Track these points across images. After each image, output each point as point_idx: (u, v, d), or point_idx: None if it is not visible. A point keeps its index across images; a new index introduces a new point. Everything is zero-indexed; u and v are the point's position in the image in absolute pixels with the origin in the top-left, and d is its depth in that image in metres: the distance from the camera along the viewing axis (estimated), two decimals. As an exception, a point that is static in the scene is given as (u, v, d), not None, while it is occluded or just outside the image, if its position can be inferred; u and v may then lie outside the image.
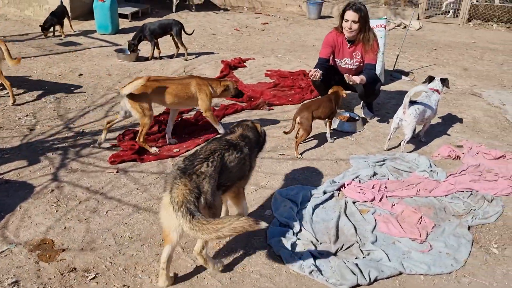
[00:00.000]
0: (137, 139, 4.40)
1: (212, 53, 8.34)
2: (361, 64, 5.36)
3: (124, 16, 10.56)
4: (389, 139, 4.82)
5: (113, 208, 3.61)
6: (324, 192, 3.93)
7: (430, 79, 5.28)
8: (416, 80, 7.38)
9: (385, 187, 4.12)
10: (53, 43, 8.38)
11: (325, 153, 4.74)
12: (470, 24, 12.15)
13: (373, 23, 6.51)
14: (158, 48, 7.73)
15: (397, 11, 12.39)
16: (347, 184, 4.08)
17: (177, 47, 7.85)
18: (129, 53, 7.48)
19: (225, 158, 2.79)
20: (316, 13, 11.81)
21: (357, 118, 5.47)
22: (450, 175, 4.39)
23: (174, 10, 11.87)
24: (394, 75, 7.49)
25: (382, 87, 6.63)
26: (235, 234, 2.41)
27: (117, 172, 4.13)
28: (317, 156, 4.66)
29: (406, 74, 7.57)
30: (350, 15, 5.08)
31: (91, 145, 4.60)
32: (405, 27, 11.44)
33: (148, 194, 3.83)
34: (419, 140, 5.03)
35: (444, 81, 5.16)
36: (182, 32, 7.74)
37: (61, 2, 9.05)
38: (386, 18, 6.74)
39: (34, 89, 6.00)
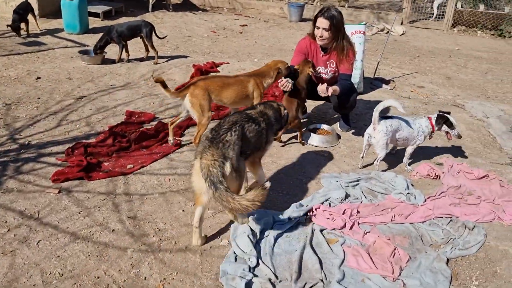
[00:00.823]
0: (193, 140, 4.46)
1: (185, 56, 7.90)
2: (336, 74, 4.98)
3: (96, 15, 10.08)
4: (362, 157, 4.46)
5: (47, 237, 3.16)
6: (289, 218, 3.53)
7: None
8: (397, 89, 7.03)
9: (358, 211, 3.74)
10: (15, 43, 7.87)
11: (294, 171, 4.35)
12: (455, 30, 11.89)
13: (351, 29, 6.16)
14: (126, 51, 7.28)
15: (380, 15, 12.08)
16: (316, 209, 3.68)
17: (147, 50, 7.41)
18: (94, 55, 7.00)
19: (245, 129, 3.17)
20: (297, 16, 11.44)
21: (331, 131, 5.09)
22: (428, 197, 4.03)
23: (150, 9, 11.41)
24: (375, 83, 7.14)
25: (360, 97, 6.29)
26: (252, 206, 2.74)
27: (58, 192, 3.68)
28: (286, 174, 4.26)
29: (387, 82, 7.23)
30: (321, 22, 4.69)
31: (36, 160, 4.13)
32: (388, 32, 11.12)
33: (90, 220, 3.39)
34: (405, 166, 4.57)
35: (442, 120, 4.39)
36: (153, 34, 7.27)
37: (26, -1, 8.52)
38: (365, 24, 6.38)
39: (-17, 93, 5.52)
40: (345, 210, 3.70)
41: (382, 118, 4.27)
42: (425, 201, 3.96)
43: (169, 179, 4.02)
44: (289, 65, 4.87)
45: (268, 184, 2.85)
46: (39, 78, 6.21)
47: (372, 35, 10.84)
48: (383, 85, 7.08)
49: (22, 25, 8.23)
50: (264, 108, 3.55)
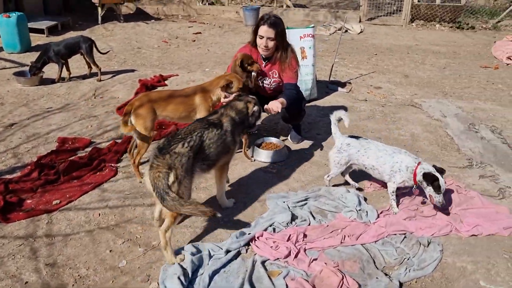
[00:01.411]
0: (132, 163, 4.17)
1: (133, 70, 7.50)
2: (280, 84, 4.67)
3: (40, 31, 9.56)
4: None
5: None
6: (228, 251, 3.19)
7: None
8: (353, 91, 6.78)
9: (305, 235, 3.43)
10: None
11: (238, 192, 4.02)
12: (413, 25, 11.79)
13: (299, 33, 5.88)
14: (68, 69, 6.84)
15: (337, 14, 11.89)
16: (258, 237, 3.36)
17: (89, 66, 6.99)
18: (30, 76, 6.54)
19: (204, 137, 3.19)
20: (253, 19, 11.14)
21: (279, 144, 4.78)
22: (381, 212, 3.76)
23: (100, 21, 10.97)
24: (330, 86, 6.88)
25: (315, 103, 6.04)
26: (195, 215, 3.13)
27: (-33, 241, 3.26)
28: (230, 196, 3.92)
29: (343, 85, 6.98)
30: (266, 31, 4.38)
31: None
32: (346, 31, 10.93)
33: (1, 271, 2.99)
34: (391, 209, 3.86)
35: (430, 180, 3.53)
36: (94, 50, 6.85)
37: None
38: (313, 27, 6.11)
39: None
40: (290, 235, 3.39)
41: (351, 136, 3.99)
42: (378, 217, 3.69)
43: (99, 214, 3.64)
44: (243, 81, 4.42)
45: (218, 215, 2.97)
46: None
47: (330, 35, 10.62)
48: (339, 89, 6.83)
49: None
50: (226, 109, 3.53)
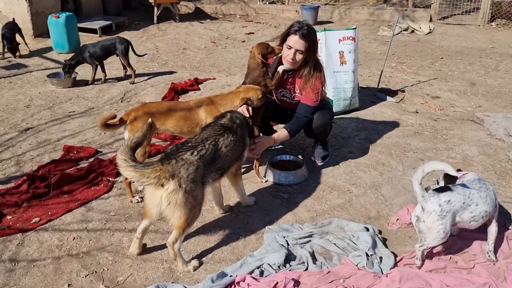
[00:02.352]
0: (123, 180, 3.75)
1: (171, 72, 7.21)
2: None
3: (93, 31, 9.60)
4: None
5: None
6: (196, 299, 2.68)
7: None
8: (404, 101, 5.96)
9: (296, 284, 2.82)
10: (-4, 67, 7.48)
11: (235, 221, 3.49)
12: (493, 25, 10.47)
13: (339, 35, 5.21)
14: (103, 71, 6.67)
15: (406, 13, 10.86)
16: (238, 282, 2.80)
17: (125, 68, 6.76)
18: (64, 77, 6.44)
19: (219, 144, 2.95)
20: (311, 18, 10.48)
21: (299, 163, 4.17)
22: (401, 259, 3.04)
23: (155, 21, 10.87)
24: (378, 95, 6.10)
25: (356, 113, 5.35)
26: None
27: None
28: (223, 226, 3.41)
29: (394, 93, 6.17)
30: (296, 41, 3.75)
31: None
32: (412, 31, 9.92)
33: None
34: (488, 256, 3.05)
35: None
36: (130, 51, 6.62)
37: (13, 18, 8.15)
38: (355, 28, 5.37)
39: None
40: (277, 283, 2.79)
41: (437, 190, 2.88)
42: (394, 266, 2.98)
43: (74, 238, 3.29)
44: (267, 94, 3.91)
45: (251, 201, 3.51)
46: (-5, 106, 5.70)
47: (393, 36, 9.67)
48: (388, 98, 6.03)
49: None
50: (232, 114, 3.29)
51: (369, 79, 6.83)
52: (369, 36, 9.75)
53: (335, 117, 5.22)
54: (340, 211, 3.60)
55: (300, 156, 4.32)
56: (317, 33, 4.99)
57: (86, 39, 9.33)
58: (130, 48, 6.63)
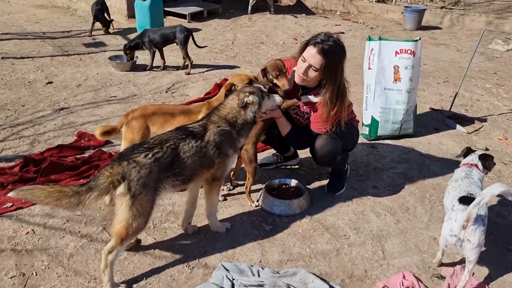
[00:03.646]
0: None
1: (233, 67, 6.93)
2: None
3: (183, 17, 9.68)
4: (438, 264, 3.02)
5: None
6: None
7: (468, 151, 3.30)
8: (477, 133, 4.97)
9: None
10: (80, 43, 7.89)
11: (194, 247, 3.10)
12: None
13: (395, 46, 4.48)
14: (162, 58, 6.63)
15: (531, 26, 9.23)
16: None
17: (184, 57, 6.63)
18: (125, 60, 6.51)
19: (179, 149, 2.71)
20: (413, 22, 9.43)
21: (300, 191, 3.64)
22: None
23: (249, 11, 10.66)
24: (447, 122, 5.17)
25: (405, 140, 4.63)
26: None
27: None
28: (177, 249, 3.05)
29: (469, 121, 5.17)
30: (311, 55, 3.15)
31: None
32: (532, 48, 8.39)
33: None
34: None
35: (485, 160, 3.15)
36: (190, 42, 6.47)
37: (103, -1, 8.50)
38: (417, 40, 4.52)
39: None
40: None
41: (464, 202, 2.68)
42: None
43: (27, 232, 3.17)
44: (252, 79, 3.42)
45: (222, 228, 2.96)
46: (51, 83, 5.95)
47: (506, 51, 8.29)
48: (457, 126, 5.07)
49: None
50: (213, 113, 2.96)
51: (449, 100, 5.84)
52: (477, 48, 8.42)
53: (376, 141, 4.54)
54: (318, 261, 3.01)
55: (308, 186, 3.75)
56: (371, 42, 4.35)
57: (173, 23, 9.42)
58: (191, 38, 6.44)
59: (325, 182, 3.88)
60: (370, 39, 4.61)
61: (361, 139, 4.64)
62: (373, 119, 4.60)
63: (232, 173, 3.75)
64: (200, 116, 3.39)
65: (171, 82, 6.18)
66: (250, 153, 3.40)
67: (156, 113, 3.47)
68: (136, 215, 2.53)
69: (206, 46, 7.57)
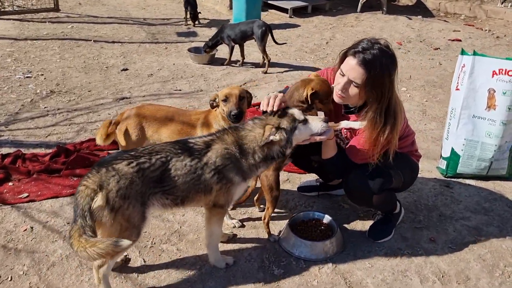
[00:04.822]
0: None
1: (317, 69, 6.31)
2: None
3: (285, 11, 9.25)
4: None
5: None
6: None
7: None
8: None
9: None
10: (174, 32, 7.88)
11: (188, 280, 2.67)
12: None
13: (493, 64, 3.59)
14: (242, 54, 6.28)
15: None
16: None
17: (264, 55, 6.21)
18: (203, 53, 6.30)
19: (170, 163, 2.33)
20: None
21: (331, 229, 3.02)
22: None
23: (358, 9, 9.89)
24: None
25: (492, 183, 3.77)
26: (102, 257, 2.14)
27: None
28: (165, 277, 2.66)
29: None
30: (351, 68, 2.50)
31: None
32: None
33: None
34: None
35: None
36: (268, 38, 6.04)
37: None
38: (524, 60, 3.54)
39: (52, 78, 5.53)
40: None
41: None
42: None
43: (25, 229, 3.02)
44: (240, 94, 2.91)
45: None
46: (126, 70, 5.93)
47: None
48: None
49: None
50: (226, 132, 2.49)
51: None
52: None
53: (454, 179, 3.71)
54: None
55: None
56: (464, 57, 3.54)
57: (273, 17, 9.08)
58: (270, 35, 5.98)
59: (370, 223, 3.17)
60: (463, 52, 3.73)
61: (435, 174, 3.84)
62: (453, 151, 3.74)
63: (256, 197, 3.25)
64: (198, 130, 2.97)
65: (244, 79, 5.79)
66: (270, 180, 2.85)
67: (153, 115, 3.13)
68: (122, 229, 2.25)
69: (285, 43, 7.05)
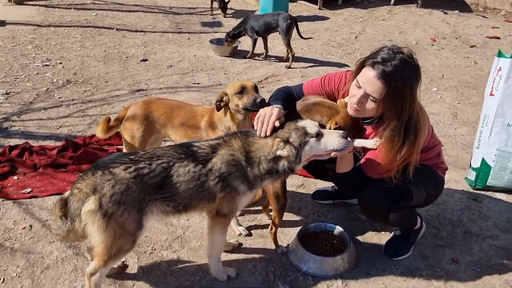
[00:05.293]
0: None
1: (342, 65, 6.07)
2: None
3: (314, 2, 8.95)
4: None
5: None
6: None
7: None
8: None
9: None
10: (199, 22, 7.72)
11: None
12: None
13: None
14: (265, 47, 6.07)
15: None
16: None
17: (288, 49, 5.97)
18: (224, 44, 6.12)
19: (172, 169, 2.17)
20: None
21: (342, 243, 2.81)
22: None
23: (392, 2, 9.50)
24: None
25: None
26: None
27: None
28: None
29: None
30: (369, 81, 2.22)
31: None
32: None
33: None
34: None
35: None
36: (293, 32, 5.79)
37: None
38: None
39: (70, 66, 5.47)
40: None
41: None
42: None
43: (25, 227, 2.92)
44: (245, 86, 2.67)
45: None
46: (145, 60, 5.80)
47: None
48: None
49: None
50: (234, 137, 2.28)
51: None
52: None
53: (483, 192, 3.42)
54: None
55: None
56: (500, 59, 3.27)
57: (302, 8, 8.80)
58: (295, 28, 5.73)
59: (387, 237, 2.94)
60: (500, 54, 3.41)
61: (463, 185, 3.55)
62: (483, 162, 3.44)
63: (264, 204, 3.05)
64: (202, 123, 2.79)
65: (265, 74, 5.58)
66: (276, 187, 2.64)
67: (161, 109, 2.94)
68: (115, 236, 2.12)
69: (310, 38, 6.77)
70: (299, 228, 2.90)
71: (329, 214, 3.18)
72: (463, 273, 2.73)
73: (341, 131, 2.24)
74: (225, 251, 2.74)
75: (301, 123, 2.24)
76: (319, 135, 2.19)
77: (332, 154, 2.22)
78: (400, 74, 2.16)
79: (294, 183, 3.45)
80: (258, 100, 2.60)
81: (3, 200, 3.15)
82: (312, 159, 2.29)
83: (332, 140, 2.19)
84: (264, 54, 6.08)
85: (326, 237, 2.87)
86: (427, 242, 2.95)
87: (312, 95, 2.64)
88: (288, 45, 5.76)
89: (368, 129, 2.53)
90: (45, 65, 5.41)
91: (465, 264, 2.80)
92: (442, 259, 2.82)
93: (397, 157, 2.31)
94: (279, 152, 2.16)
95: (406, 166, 2.40)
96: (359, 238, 2.95)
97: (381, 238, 2.96)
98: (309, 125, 2.22)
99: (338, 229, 2.89)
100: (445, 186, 3.29)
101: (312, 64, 5.98)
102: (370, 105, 2.29)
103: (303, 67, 5.85)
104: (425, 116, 2.40)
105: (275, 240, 2.81)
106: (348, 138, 2.22)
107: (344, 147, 2.20)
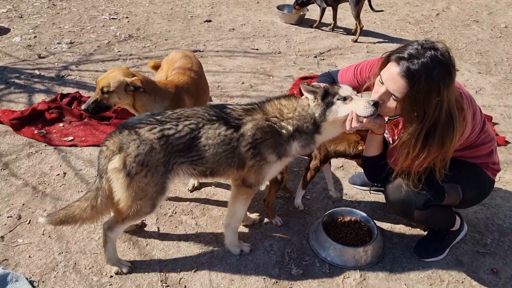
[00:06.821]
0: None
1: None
2: None
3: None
4: None
5: None
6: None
7: None
8: None
9: None
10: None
11: (187, 260, 2.48)
12: None
13: None
14: (334, 18, 5.77)
15: None
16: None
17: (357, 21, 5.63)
18: (292, 10, 5.91)
19: (200, 131, 2.14)
20: None
21: (367, 229, 2.63)
22: None
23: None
24: None
25: None
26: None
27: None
28: (156, 264, 2.49)
29: None
30: (391, 77, 1.99)
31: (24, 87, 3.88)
32: None
33: None
34: None
35: None
36: (365, 4, 5.44)
37: None
38: None
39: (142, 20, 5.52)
40: None
41: None
42: None
43: (59, 174, 3.02)
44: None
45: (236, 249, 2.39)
46: (209, 21, 5.74)
47: None
48: None
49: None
50: (274, 103, 2.25)
51: None
52: None
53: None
54: None
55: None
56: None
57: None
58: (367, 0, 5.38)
59: (421, 236, 2.70)
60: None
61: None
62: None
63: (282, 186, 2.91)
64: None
65: (329, 46, 5.31)
66: None
67: (192, 82, 2.89)
68: (136, 197, 2.11)
69: (382, 11, 6.30)
70: (328, 210, 2.75)
71: (363, 201, 2.99)
72: (502, 286, 2.45)
73: (371, 99, 2.06)
74: (244, 225, 2.66)
75: (337, 85, 2.19)
76: (346, 99, 2.10)
77: (355, 123, 2.04)
78: (427, 74, 1.88)
79: (334, 163, 3.26)
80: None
81: (46, 145, 3.26)
82: (346, 130, 2.13)
83: (360, 105, 2.06)
84: (332, 25, 5.78)
85: (353, 226, 2.69)
86: (466, 247, 2.68)
87: (345, 83, 2.40)
88: (357, 17, 5.42)
89: (388, 126, 2.31)
90: (112, 18, 5.51)
91: (506, 278, 2.51)
92: (480, 268, 2.55)
93: (415, 162, 2.06)
94: (307, 94, 2.15)
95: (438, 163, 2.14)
96: (389, 232, 2.74)
97: (415, 236, 2.73)
98: (344, 88, 2.15)
99: (368, 218, 2.70)
100: (503, 188, 2.98)
101: (381, 39, 5.60)
102: (391, 104, 2.05)
103: (370, 42, 5.50)
104: (466, 119, 2.07)
105: (269, 210, 2.70)
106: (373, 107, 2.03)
107: (371, 114, 2.02)
